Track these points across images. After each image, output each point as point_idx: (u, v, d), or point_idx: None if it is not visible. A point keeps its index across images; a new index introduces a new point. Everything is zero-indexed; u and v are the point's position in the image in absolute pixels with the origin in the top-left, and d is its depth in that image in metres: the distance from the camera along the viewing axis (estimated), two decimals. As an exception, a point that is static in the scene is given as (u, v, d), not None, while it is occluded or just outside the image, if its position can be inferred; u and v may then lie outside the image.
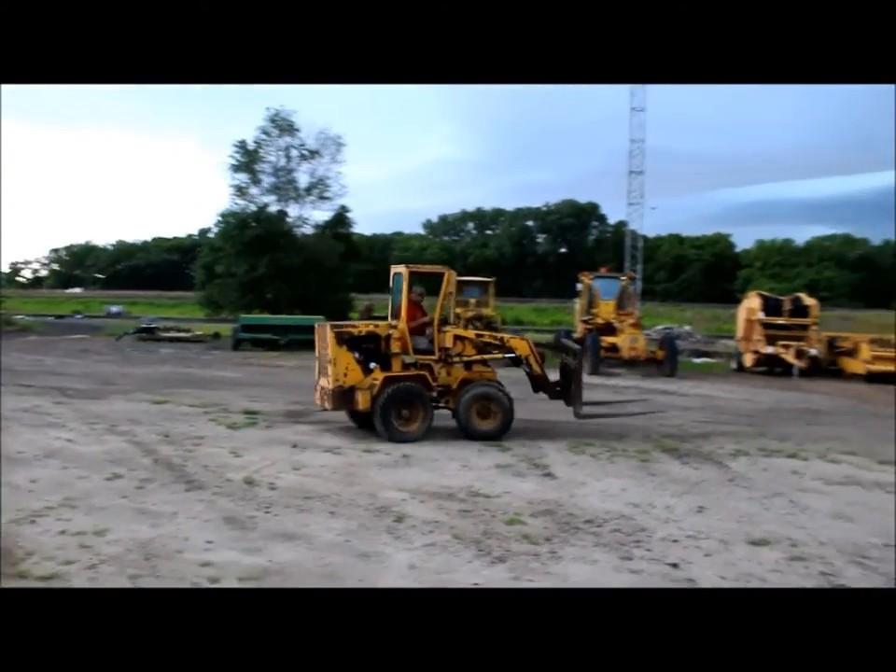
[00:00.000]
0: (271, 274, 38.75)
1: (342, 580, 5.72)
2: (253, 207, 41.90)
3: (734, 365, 27.49)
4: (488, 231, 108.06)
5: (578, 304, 27.96)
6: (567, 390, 12.50)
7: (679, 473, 9.74)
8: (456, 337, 12.01)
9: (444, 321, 12.32)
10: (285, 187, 42.37)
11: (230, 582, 5.57)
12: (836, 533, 7.41)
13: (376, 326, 12.09)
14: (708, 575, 6.07)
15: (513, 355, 12.23)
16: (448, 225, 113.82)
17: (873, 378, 23.81)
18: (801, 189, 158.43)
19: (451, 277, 12.15)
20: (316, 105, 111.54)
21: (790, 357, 24.51)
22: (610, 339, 23.68)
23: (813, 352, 24.77)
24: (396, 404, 11.25)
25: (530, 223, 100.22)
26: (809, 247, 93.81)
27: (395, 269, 12.37)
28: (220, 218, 43.00)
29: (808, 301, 27.02)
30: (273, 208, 42.46)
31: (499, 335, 12.74)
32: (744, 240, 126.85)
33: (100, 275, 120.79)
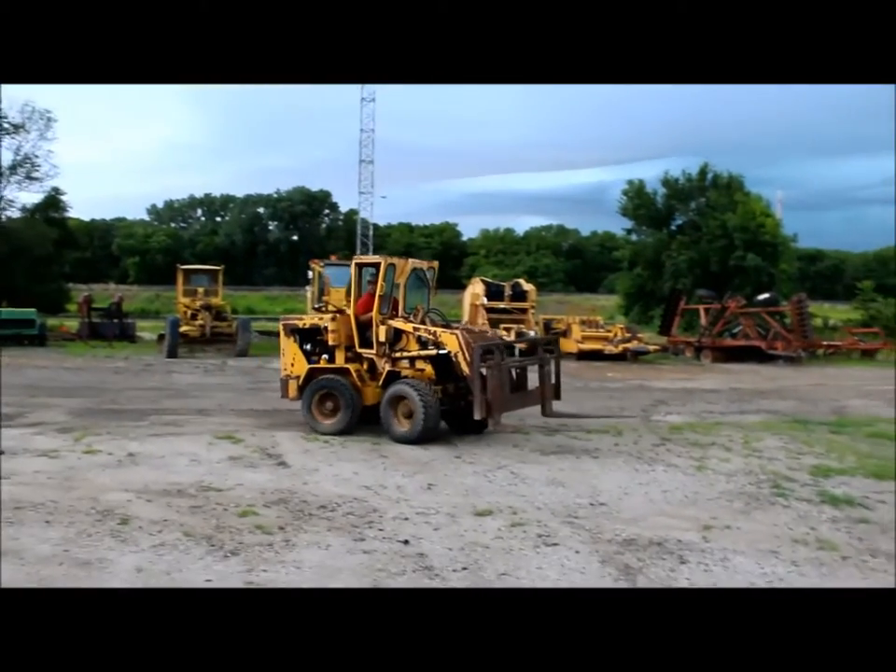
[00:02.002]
0: (-32, 263, 34.99)
1: (59, 590, 5.35)
2: (-58, 186, 37.62)
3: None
4: (218, 219, 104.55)
5: (309, 292, 27.99)
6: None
7: (410, 454, 10.11)
8: (398, 330, 11.48)
9: (395, 313, 11.78)
10: (-17, 164, 38.41)
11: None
12: (551, 498, 8.10)
13: (320, 318, 12.05)
14: (437, 549, 6.38)
15: (445, 351, 11.03)
16: (175, 211, 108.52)
17: (583, 356, 26.12)
18: (520, 182, 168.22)
19: (402, 266, 11.88)
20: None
21: (510, 338, 26.18)
22: None
23: (531, 334, 26.65)
24: (317, 396, 11.45)
25: (261, 210, 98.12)
26: (528, 237, 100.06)
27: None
28: None
29: (527, 286, 29.06)
30: (-30, 188, 38.35)
31: (432, 328, 11.35)
32: (470, 229, 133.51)
33: None
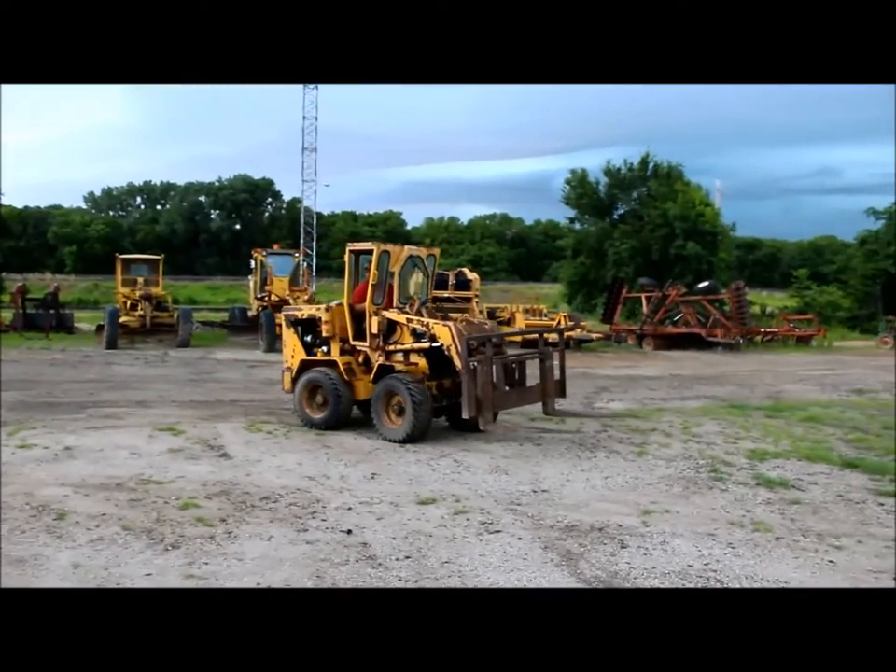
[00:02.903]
0: None
1: (-8, 588, 5.22)
2: None
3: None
4: (158, 207, 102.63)
5: (252, 282, 27.73)
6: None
7: (353, 444, 10.09)
8: (391, 322, 10.96)
9: (389, 304, 11.16)
10: None
11: None
12: (494, 485, 8.17)
13: (317, 309, 11.71)
14: (381, 538, 6.38)
15: (438, 344, 10.39)
16: (114, 199, 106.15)
17: (526, 344, 26.24)
18: (463, 171, 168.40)
19: (397, 254, 11.15)
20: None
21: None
22: None
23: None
24: (308, 389, 11.15)
25: (203, 198, 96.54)
26: (472, 226, 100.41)
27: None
28: None
29: (471, 275, 29.15)
30: None
31: (426, 320, 10.70)
32: (414, 218, 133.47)
33: None
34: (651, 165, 45.22)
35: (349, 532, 6.51)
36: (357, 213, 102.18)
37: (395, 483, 8.15)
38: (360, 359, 11.31)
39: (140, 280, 26.57)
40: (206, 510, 7.07)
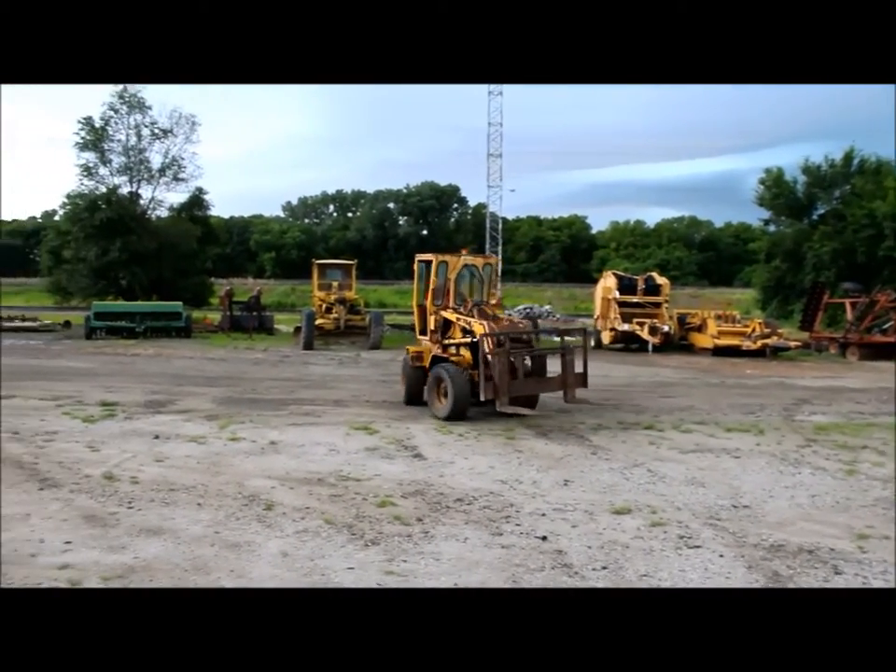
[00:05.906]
0: (124, 259, 36.85)
1: (211, 572, 5.59)
2: (103, 188, 39.74)
3: (592, 342, 28.48)
4: (349, 214, 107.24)
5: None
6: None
7: (544, 449, 10.02)
8: (447, 320, 13.02)
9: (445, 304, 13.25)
10: (136, 167, 40.39)
11: (92, 584, 5.34)
12: (691, 498, 7.86)
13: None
14: (576, 546, 6.30)
15: (475, 339, 12.06)
16: (309, 207, 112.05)
17: (718, 351, 25.25)
18: (649, 172, 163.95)
19: (453, 263, 13.23)
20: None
21: (644, 333, 25.63)
22: None
23: (665, 328, 26.00)
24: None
25: (391, 205, 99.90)
26: (659, 229, 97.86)
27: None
28: (67, 200, 40.36)
29: (660, 279, 28.35)
30: (125, 190, 40.40)
31: (468, 319, 12.44)
32: (599, 221, 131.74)
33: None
34: (855, 161, 42.21)
35: (544, 538, 6.46)
36: (542, 217, 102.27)
37: (588, 491, 8.02)
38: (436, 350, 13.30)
39: (334, 284, 27.72)
40: (403, 508, 7.25)
